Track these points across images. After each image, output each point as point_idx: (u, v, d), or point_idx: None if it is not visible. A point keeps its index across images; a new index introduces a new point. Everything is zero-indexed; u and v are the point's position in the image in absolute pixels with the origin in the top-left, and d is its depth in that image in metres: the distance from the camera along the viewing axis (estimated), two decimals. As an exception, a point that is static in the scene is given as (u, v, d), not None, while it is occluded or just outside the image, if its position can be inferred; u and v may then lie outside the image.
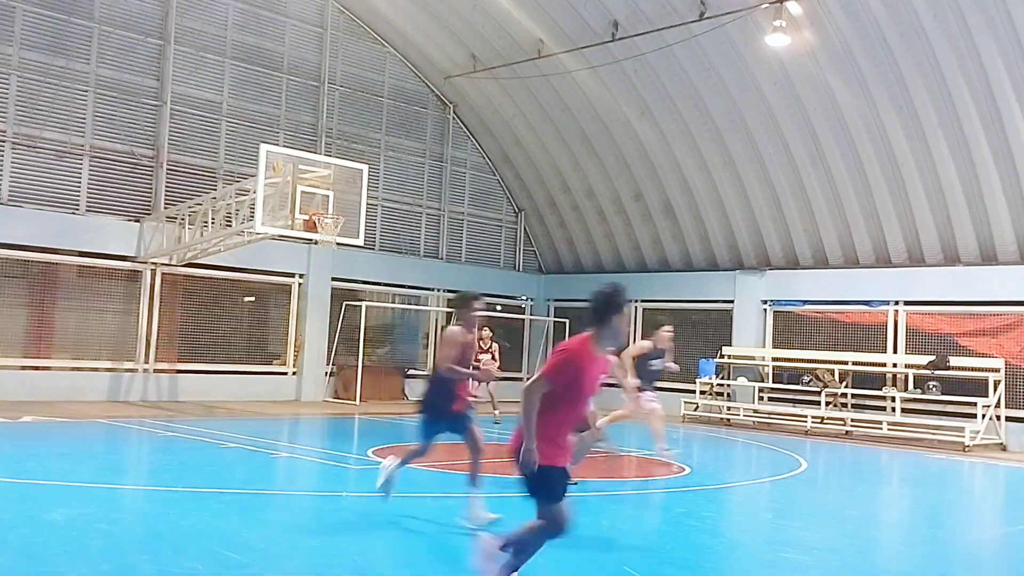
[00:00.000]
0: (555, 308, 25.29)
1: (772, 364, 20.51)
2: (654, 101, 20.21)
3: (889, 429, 17.75)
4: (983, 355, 17.64)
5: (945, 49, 16.10)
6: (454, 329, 7.54)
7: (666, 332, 12.27)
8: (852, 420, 18.28)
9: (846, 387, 19.11)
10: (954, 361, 17.67)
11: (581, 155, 22.74)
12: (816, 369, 19.39)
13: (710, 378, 20.64)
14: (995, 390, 16.98)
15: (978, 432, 16.61)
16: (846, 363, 19.20)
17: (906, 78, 16.80)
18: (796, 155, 19.21)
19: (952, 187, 17.56)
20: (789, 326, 20.82)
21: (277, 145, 18.45)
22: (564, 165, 23.29)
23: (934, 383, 17.89)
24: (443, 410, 7.58)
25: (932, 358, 17.92)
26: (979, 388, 17.11)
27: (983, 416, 16.71)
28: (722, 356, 20.90)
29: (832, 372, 19.25)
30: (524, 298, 25.41)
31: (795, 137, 18.96)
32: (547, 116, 22.37)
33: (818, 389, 18.93)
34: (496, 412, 17.55)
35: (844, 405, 19.08)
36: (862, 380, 19.12)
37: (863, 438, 17.70)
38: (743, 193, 20.62)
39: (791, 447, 15.41)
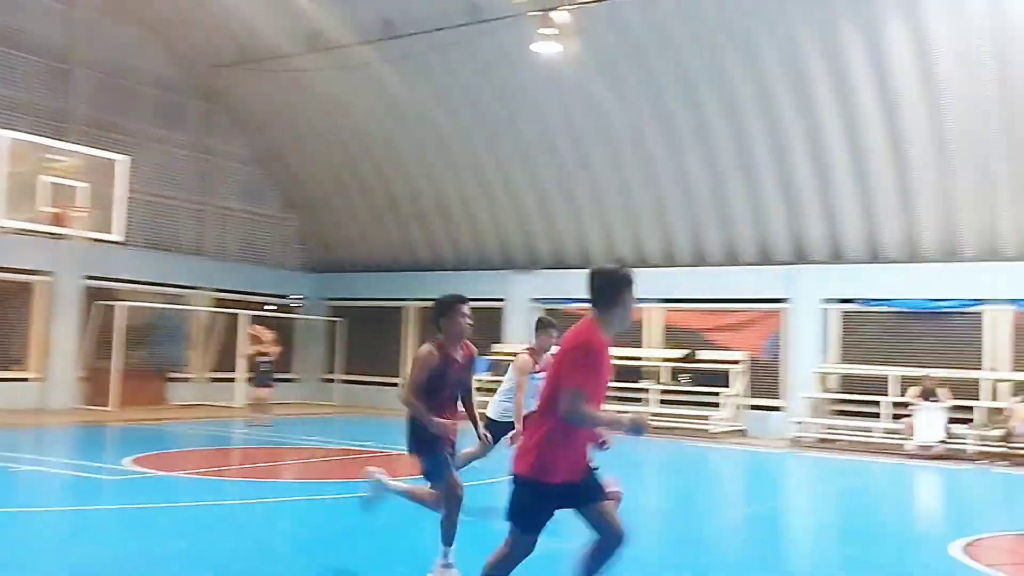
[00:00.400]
0: (329, 307, 24.87)
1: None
2: (430, 102, 20.32)
3: (648, 420, 18.88)
4: (727, 348, 19.21)
5: (697, 64, 17.34)
6: (425, 348, 6.21)
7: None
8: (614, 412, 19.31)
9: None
10: (702, 354, 19.11)
11: (356, 152, 22.50)
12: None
13: (481, 375, 21.06)
14: (737, 381, 18.57)
15: (723, 420, 18.10)
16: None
17: (664, 88, 17.95)
18: (564, 159, 20.00)
19: (701, 193, 18.95)
20: (558, 323, 21.59)
21: (17, 131, 16.84)
22: (339, 162, 22.94)
23: (686, 375, 19.31)
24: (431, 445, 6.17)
25: (685, 352, 19.32)
26: (724, 379, 18.64)
27: (727, 404, 18.27)
28: (493, 354, 21.38)
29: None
30: (297, 297, 24.79)
31: (564, 141, 19.72)
32: (321, 111, 21.92)
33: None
34: (266, 416, 17.02)
35: (607, 398, 20.05)
36: (622, 373, 20.22)
37: (624, 429, 18.72)
38: (515, 195, 21.21)
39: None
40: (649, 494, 11.92)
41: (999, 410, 15.73)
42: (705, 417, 18.15)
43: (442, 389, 6.19)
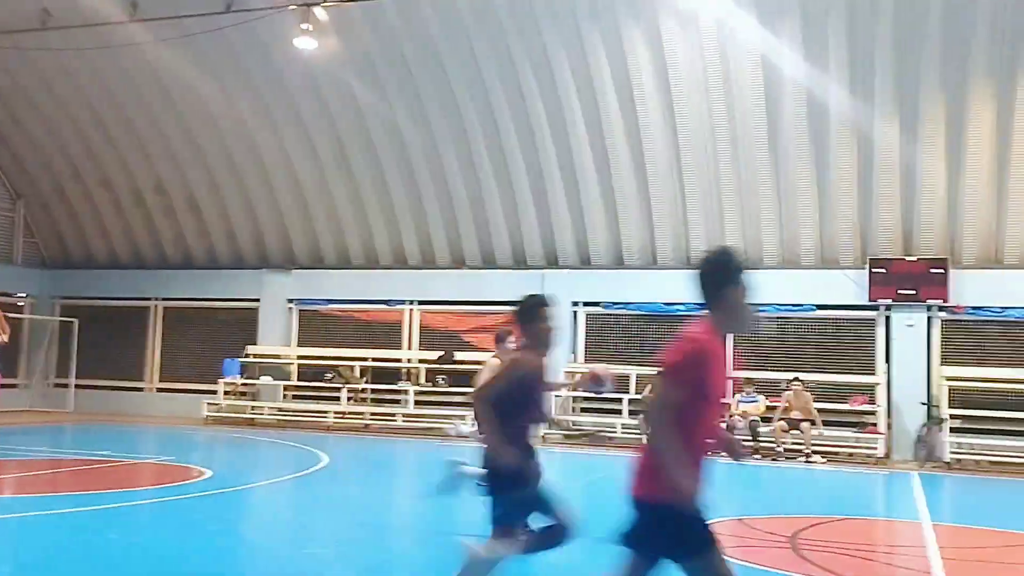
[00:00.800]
0: (62, 306, 22.95)
1: (297, 362, 20.81)
2: (180, 91, 19.31)
3: (404, 421, 19.03)
4: (483, 350, 19.70)
5: (456, 71, 17.68)
6: (516, 354, 5.28)
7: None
8: (371, 414, 19.29)
9: (366, 382, 20.06)
10: (459, 356, 19.50)
11: (95, 140, 20.90)
12: (338, 366, 20.09)
13: (235, 378, 20.33)
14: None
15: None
16: (366, 359, 20.18)
17: (421, 91, 18.14)
18: (322, 157, 19.68)
19: (460, 196, 19.33)
20: (314, 324, 21.28)
21: None
22: (75, 150, 21.22)
23: (442, 376, 19.61)
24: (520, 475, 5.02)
25: (441, 353, 19.61)
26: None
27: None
28: (247, 356, 20.67)
29: (353, 368, 20.09)
30: (23, 295, 22.64)
31: (321, 139, 19.40)
32: (54, 94, 20.17)
33: (340, 385, 19.64)
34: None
35: (364, 400, 19.99)
36: (380, 375, 20.23)
37: (381, 430, 18.74)
38: (270, 192, 20.60)
39: (314, 443, 15.76)
40: (403, 492, 12.01)
41: (725, 405, 17.31)
42: (461, 417, 18.49)
43: (529, 408, 5.18)
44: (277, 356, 20.78)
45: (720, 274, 3.82)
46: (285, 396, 20.44)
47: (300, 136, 19.49)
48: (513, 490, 5.00)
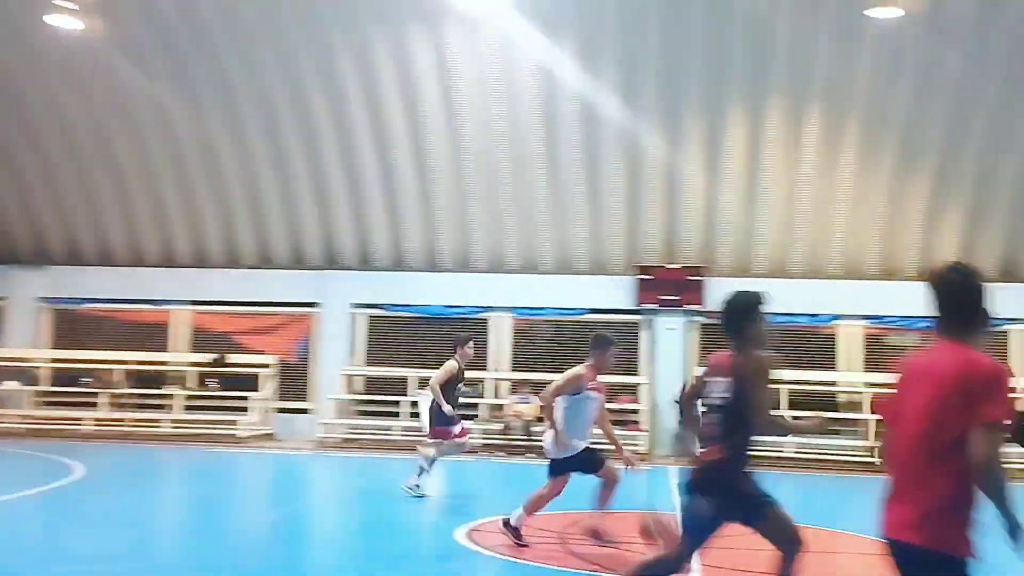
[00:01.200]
0: None
1: (49, 366, 19.24)
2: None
3: (171, 427, 18.04)
4: (258, 352, 19.08)
5: (233, 62, 17.01)
6: (761, 358, 4.85)
7: (470, 349, 11.18)
8: (134, 420, 18.13)
9: (128, 387, 18.86)
10: (232, 358, 18.75)
11: None
12: (97, 369, 18.76)
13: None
14: (267, 384, 18.53)
15: (252, 424, 17.93)
16: (129, 362, 18.98)
17: (195, 81, 17.32)
18: (81, 146, 18.35)
19: (235, 193, 18.61)
20: (70, 325, 19.76)
21: None
22: None
23: (214, 380, 18.79)
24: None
25: (214, 356, 18.77)
26: (254, 383, 18.47)
27: (257, 409, 18.15)
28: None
29: (114, 372, 18.82)
30: None
31: (81, 127, 18.09)
32: None
33: (98, 390, 18.34)
34: None
35: (126, 406, 18.77)
36: (147, 380, 19.10)
37: (145, 438, 17.65)
38: (20, 181, 18.93)
39: (68, 453, 14.61)
40: (190, 505, 11.40)
41: (499, 406, 17.72)
42: (233, 422, 17.81)
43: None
44: (24, 359, 19.10)
45: (976, 288, 3.43)
46: (35, 403, 18.84)
47: (54, 121, 18.05)
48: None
